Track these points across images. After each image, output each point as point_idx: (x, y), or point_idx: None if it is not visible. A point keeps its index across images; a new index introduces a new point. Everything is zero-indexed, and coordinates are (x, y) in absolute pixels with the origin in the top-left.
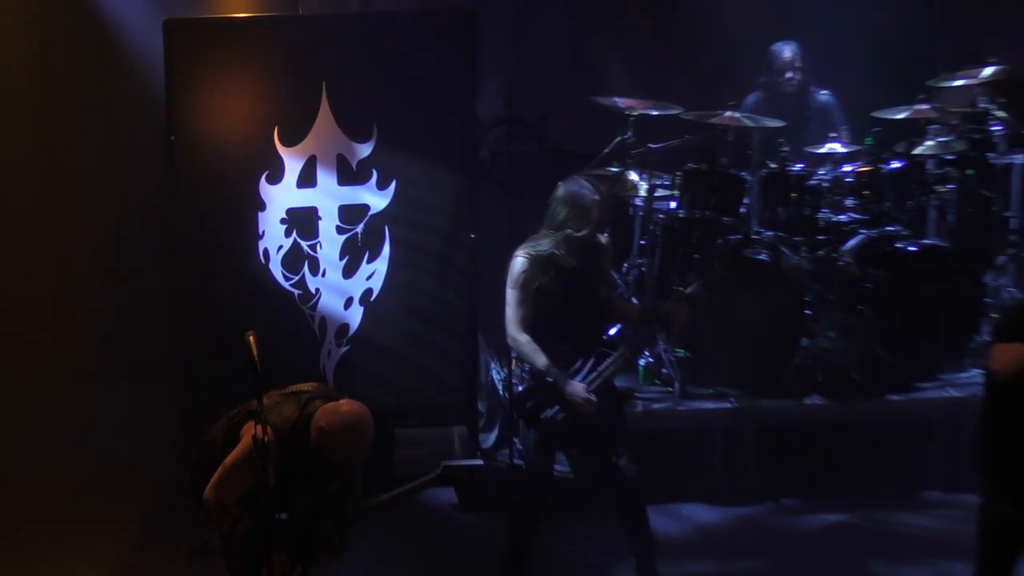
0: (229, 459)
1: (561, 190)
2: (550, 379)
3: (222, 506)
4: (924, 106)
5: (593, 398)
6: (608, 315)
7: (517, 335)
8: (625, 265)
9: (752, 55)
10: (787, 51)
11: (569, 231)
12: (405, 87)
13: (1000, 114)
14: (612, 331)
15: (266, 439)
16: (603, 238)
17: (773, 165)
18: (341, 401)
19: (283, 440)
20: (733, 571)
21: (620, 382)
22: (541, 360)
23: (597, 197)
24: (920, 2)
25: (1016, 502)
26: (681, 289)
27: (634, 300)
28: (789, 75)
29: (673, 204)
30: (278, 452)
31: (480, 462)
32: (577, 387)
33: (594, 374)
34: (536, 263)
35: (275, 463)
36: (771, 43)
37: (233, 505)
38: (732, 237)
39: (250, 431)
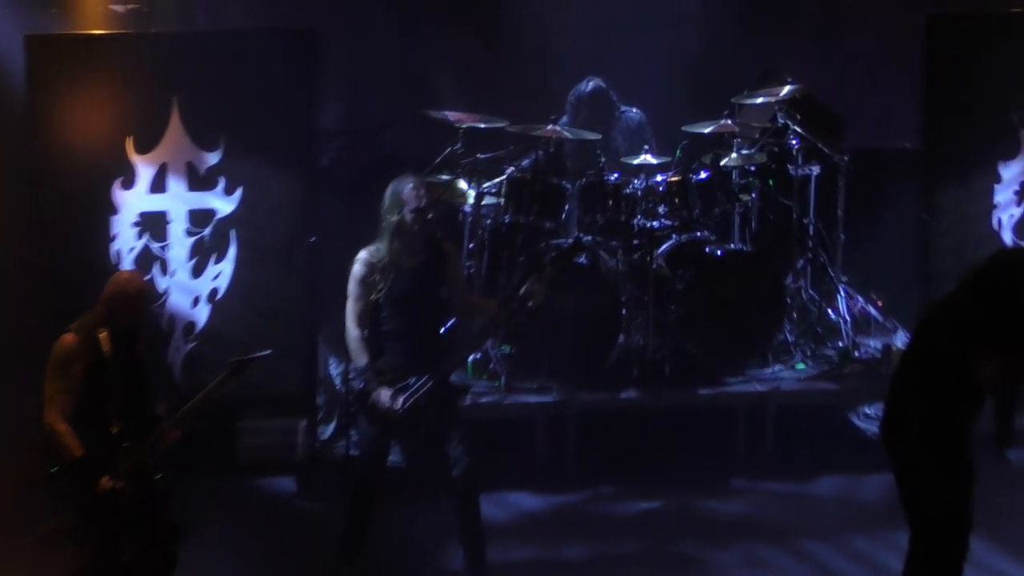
0: (46, 380)
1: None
2: (361, 384)
3: (59, 427)
4: (728, 121)
5: (397, 407)
6: (452, 315)
7: (351, 329)
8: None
9: (571, 72)
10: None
11: (389, 218)
12: (251, 100)
13: (797, 129)
14: (445, 327)
15: (75, 341)
16: (448, 243)
17: (591, 174)
18: None
19: (88, 340)
20: (555, 556)
21: (456, 377)
22: (361, 361)
23: (411, 185)
24: (722, 23)
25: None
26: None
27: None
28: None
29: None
30: (85, 350)
31: (268, 351)
32: (382, 396)
33: (419, 384)
34: (373, 265)
35: (90, 367)
36: (587, 59)
37: (65, 423)
38: (556, 241)
39: (57, 345)
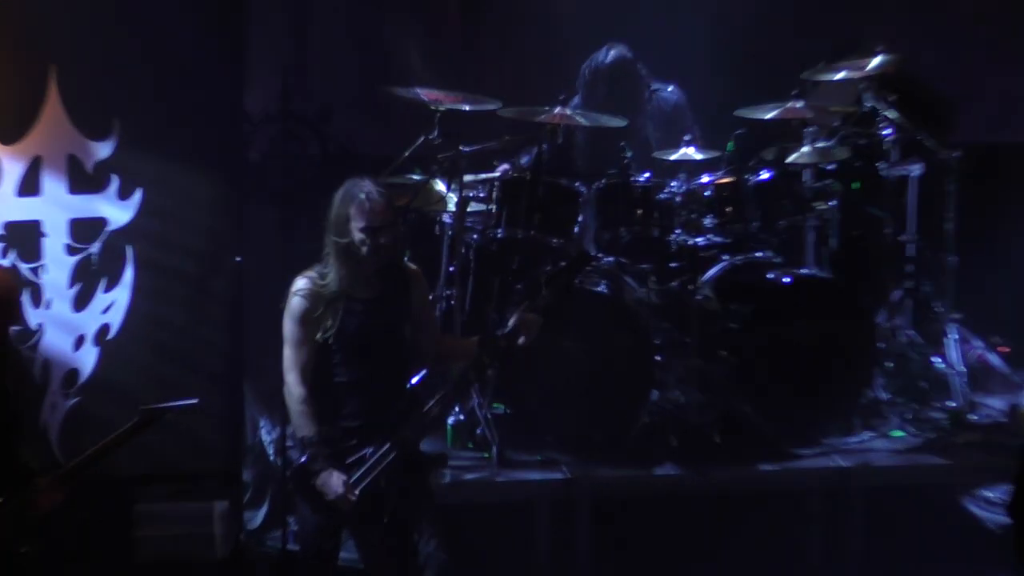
0: None
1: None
2: (303, 457)
3: None
4: (798, 104)
5: (352, 496)
6: (417, 361)
7: (292, 385)
8: (430, 297)
9: (585, 37)
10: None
11: (334, 238)
12: (156, 73)
13: (891, 115)
14: (415, 379)
15: None
16: (411, 265)
17: (613, 173)
18: None
19: None
20: None
21: (429, 445)
22: (305, 429)
23: (364, 192)
24: None
25: None
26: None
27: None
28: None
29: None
30: None
31: (194, 400)
32: (333, 479)
33: (380, 456)
34: (317, 296)
35: None
36: (607, 21)
37: None
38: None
39: None
